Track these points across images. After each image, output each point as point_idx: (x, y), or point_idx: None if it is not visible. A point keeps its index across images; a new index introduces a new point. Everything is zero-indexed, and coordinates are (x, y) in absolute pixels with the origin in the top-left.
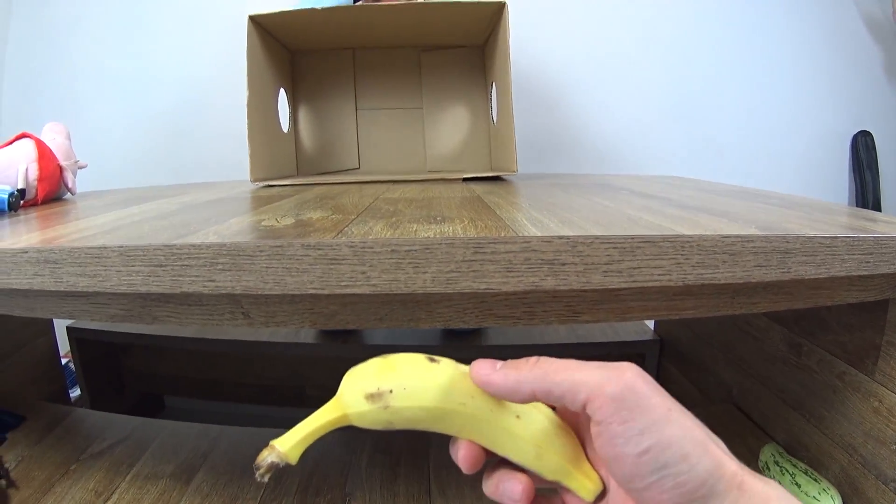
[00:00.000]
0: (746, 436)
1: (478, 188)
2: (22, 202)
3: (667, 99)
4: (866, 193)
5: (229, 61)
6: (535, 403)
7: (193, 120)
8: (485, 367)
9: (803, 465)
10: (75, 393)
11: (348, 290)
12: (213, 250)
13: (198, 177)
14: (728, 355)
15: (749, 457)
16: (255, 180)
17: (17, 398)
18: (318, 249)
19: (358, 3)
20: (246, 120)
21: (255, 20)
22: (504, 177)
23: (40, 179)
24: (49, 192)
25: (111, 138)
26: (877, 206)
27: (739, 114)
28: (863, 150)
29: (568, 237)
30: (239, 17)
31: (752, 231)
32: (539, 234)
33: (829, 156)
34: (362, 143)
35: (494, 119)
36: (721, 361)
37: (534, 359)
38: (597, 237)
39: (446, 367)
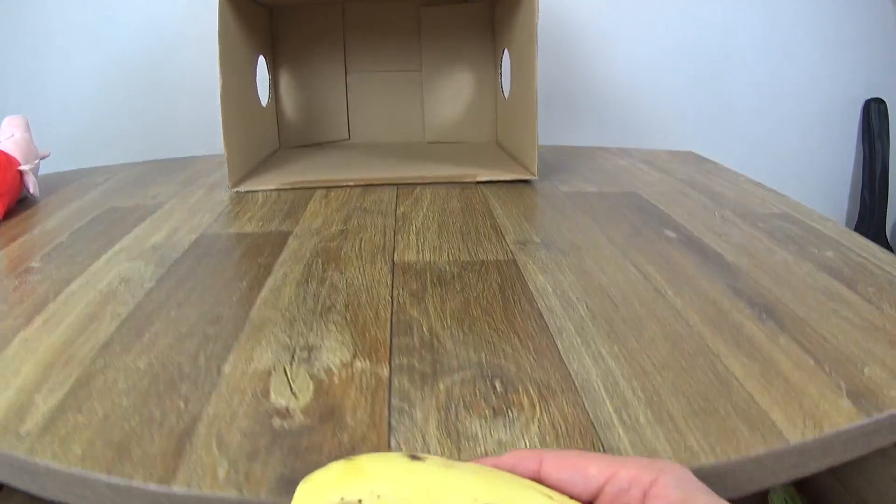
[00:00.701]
0: None
1: (497, 205)
2: None
3: (678, 58)
4: (874, 162)
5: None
6: (562, 499)
7: (167, 70)
8: None
9: None
10: None
11: None
12: None
13: (172, 137)
14: None
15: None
16: (234, 186)
17: None
18: None
19: None
20: (220, 112)
21: None
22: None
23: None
24: (10, 203)
25: (81, 94)
26: (884, 177)
27: (752, 74)
28: (875, 117)
29: None
30: None
31: (844, 404)
32: None
33: (839, 121)
34: (353, 110)
35: (505, 92)
36: None
37: None
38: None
39: (434, 467)
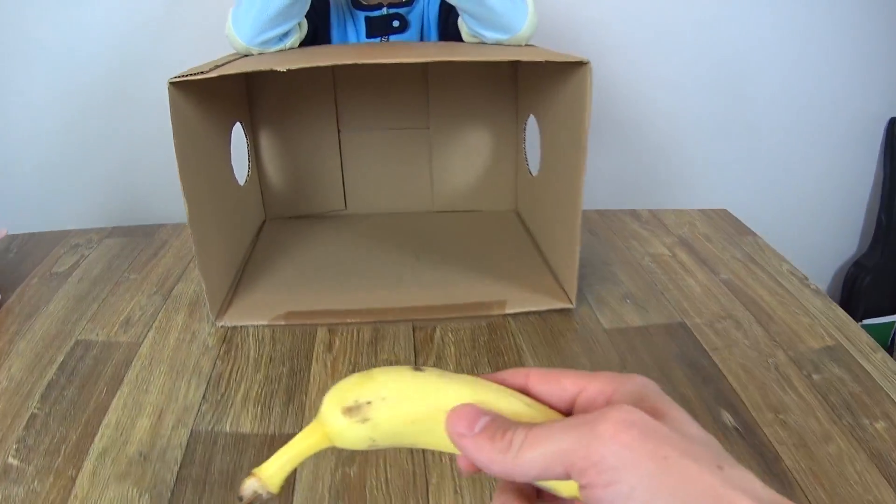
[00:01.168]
0: None
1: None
2: None
3: (700, 75)
4: (895, 184)
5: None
6: (541, 407)
7: (135, 97)
8: (461, 424)
9: None
10: None
11: None
12: None
13: (140, 176)
14: None
15: None
16: (217, 318)
17: None
18: None
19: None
20: (192, 238)
21: (180, 87)
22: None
23: None
24: None
25: (39, 122)
26: None
27: (775, 89)
28: None
29: None
30: None
31: None
32: None
33: (861, 138)
34: (349, 175)
35: (530, 162)
36: None
37: (511, 433)
38: None
39: (432, 377)
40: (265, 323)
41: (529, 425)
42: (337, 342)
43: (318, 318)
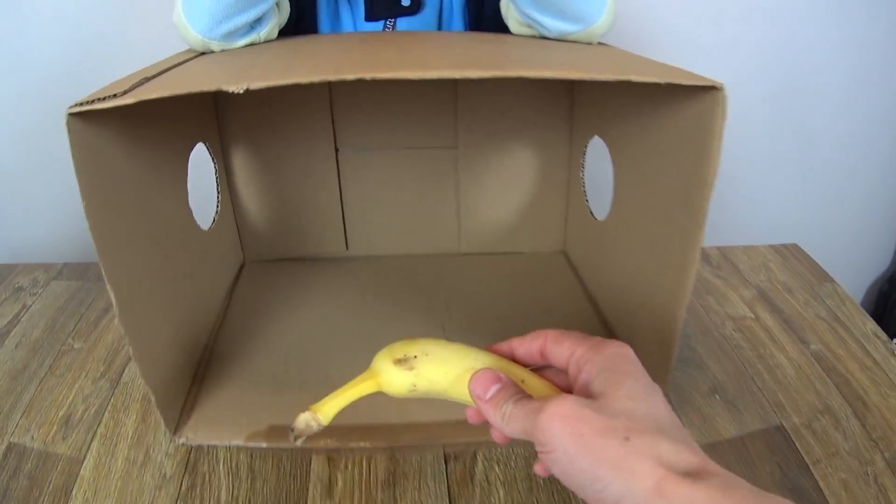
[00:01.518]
0: None
1: None
2: None
3: (753, 80)
4: None
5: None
6: (536, 378)
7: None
8: (480, 385)
9: None
10: None
11: None
12: None
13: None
14: None
15: None
16: (175, 433)
17: None
18: None
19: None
20: (127, 339)
21: (83, 118)
22: None
23: None
24: None
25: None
26: None
27: (823, 97)
28: None
29: None
30: None
31: None
32: None
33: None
34: (350, 207)
35: (590, 203)
36: None
37: (505, 407)
38: None
39: (461, 345)
40: (240, 443)
41: (516, 401)
42: (339, 481)
43: (311, 440)
